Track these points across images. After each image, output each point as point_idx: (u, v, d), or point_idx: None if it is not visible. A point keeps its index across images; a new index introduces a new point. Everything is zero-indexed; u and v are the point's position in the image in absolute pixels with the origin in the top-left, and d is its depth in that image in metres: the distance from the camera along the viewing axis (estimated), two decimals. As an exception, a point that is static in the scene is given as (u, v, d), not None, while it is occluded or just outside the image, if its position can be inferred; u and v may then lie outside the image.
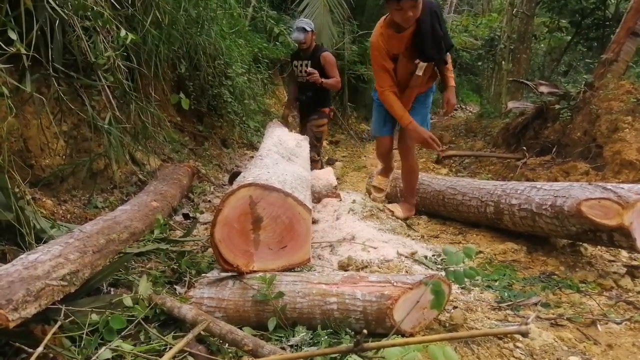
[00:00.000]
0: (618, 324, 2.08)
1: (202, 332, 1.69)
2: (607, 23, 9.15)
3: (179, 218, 3.49)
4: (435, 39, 3.18)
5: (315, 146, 5.27)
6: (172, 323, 1.87)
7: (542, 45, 13.18)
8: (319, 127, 5.21)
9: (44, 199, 2.81)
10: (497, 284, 2.57)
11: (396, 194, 4.16)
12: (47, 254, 1.74)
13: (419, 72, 3.32)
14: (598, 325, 2.08)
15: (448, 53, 3.41)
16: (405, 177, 3.82)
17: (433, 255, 2.90)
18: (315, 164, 5.27)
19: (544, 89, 6.63)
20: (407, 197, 3.82)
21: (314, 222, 3.42)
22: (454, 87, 3.57)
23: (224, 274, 2.07)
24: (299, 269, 2.22)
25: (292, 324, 1.89)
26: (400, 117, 3.45)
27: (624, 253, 3.01)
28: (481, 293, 2.42)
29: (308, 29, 5.01)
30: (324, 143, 5.51)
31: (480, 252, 3.00)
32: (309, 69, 4.93)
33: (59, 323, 1.59)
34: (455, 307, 2.19)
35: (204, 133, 5.92)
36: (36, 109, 2.74)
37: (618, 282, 2.55)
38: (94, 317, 1.71)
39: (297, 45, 5.27)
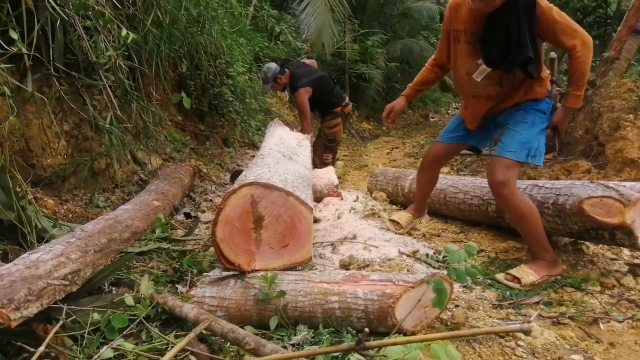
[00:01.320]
0: (620, 322, 2.08)
1: (204, 331, 1.69)
2: (609, 21, 9.13)
3: (180, 217, 3.50)
4: (510, 42, 2.41)
5: (329, 147, 5.34)
6: (174, 322, 1.88)
7: (544, 43, 13.17)
8: (331, 128, 5.23)
9: (45, 199, 2.82)
10: (498, 282, 2.56)
11: (398, 193, 4.15)
12: (49, 253, 1.74)
13: (477, 78, 2.59)
14: (600, 324, 2.07)
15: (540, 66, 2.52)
16: (516, 225, 2.73)
17: (434, 254, 2.90)
18: (325, 167, 5.34)
19: (545, 87, 6.60)
20: (535, 253, 2.64)
21: (316, 221, 3.42)
22: (567, 109, 2.60)
23: (225, 273, 2.07)
24: (300, 268, 2.22)
25: (293, 322, 1.90)
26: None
27: (626, 251, 3.00)
28: (483, 291, 2.42)
29: (267, 86, 5.12)
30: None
31: (482, 250, 3.00)
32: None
33: (60, 322, 1.59)
34: (457, 306, 2.19)
35: (205, 132, 5.92)
36: (37, 108, 2.74)
37: (620, 281, 2.55)
38: (96, 316, 1.71)
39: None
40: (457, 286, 2.41)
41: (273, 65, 5.11)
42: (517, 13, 2.36)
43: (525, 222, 2.60)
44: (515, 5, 2.35)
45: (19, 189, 2.22)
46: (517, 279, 2.50)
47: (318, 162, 5.17)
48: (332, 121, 5.21)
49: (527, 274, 2.52)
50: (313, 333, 1.84)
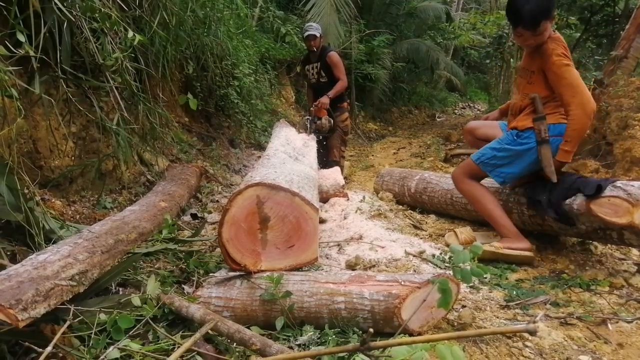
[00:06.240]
0: (629, 322, 2.06)
1: (210, 332, 1.70)
2: (617, 19, 9.06)
3: (187, 218, 3.51)
4: None
5: (344, 141, 5.73)
6: (180, 322, 1.88)
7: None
8: (343, 121, 5.54)
9: (53, 200, 2.83)
10: (506, 282, 2.55)
11: (404, 193, 4.15)
12: (56, 254, 1.75)
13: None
14: (608, 324, 2.06)
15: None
16: (476, 209, 3.22)
17: (441, 254, 2.89)
18: (343, 159, 5.73)
19: (553, 86, 6.55)
20: (498, 232, 3.03)
21: (322, 221, 3.42)
22: (560, 163, 2.78)
23: (231, 274, 2.07)
24: (306, 268, 2.22)
25: (299, 323, 1.90)
26: None
27: (635, 251, 2.98)
28: (490, 292, 2.40)
29: (317, 34, 5.28)
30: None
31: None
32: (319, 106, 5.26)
33: (67, 323, 1.60)
34: (463, 307, 2.18)
35: (211, 133, 5.94)
36: (45, 110, 2.76)
37: (628, 281, 2.53)
38: (103, 316, 1.72)
39: (306, 49, 5.58)
40: (464, 287, 2.39)
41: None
42: None
43: (478, 205, 3.07)
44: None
45: (26, 191, 2.24)
46: None
47: (338, 155, 5.50)
48: (342, 115, 5.51)
49: (490, 246, 2.85)
50: (319, 333, 1.83)
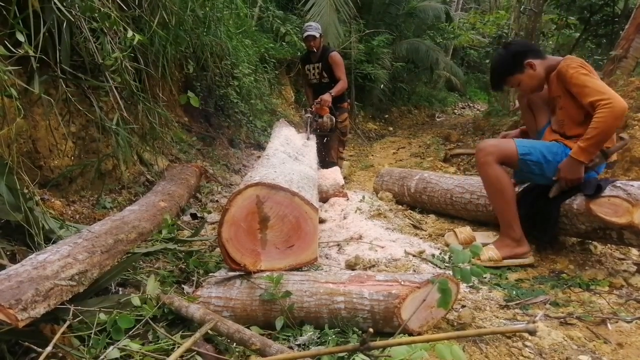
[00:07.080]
0: (628, 322, 2.06)
1: (210, 332, 1.70)
2: (616, 19, 9.06)
3: (186, 218, 3.51)
4: None
5: (342, 142, 5.73)
6: (180, 322, 1.88)
7: (551, 42, 13.08)
8: (342, 122, 5.54)
9: (52, 200, 2.83)
10: (505, 282, 2.55)
11: (404, 193, 4.15)
12: (56, 254, 1.75)
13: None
14: (608, 324, 2.06)
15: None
16: (489, 197, 3.01)
17: (440, 254, 2.89)
18: (342, 160, 5.60)
19: (552, 86, 6.55)
20: (502, 229, 2.91)
21: (321, 221, 3.42)
22: (571, 159, 2.63)
23: (231, 273, 2.07)
24: (306, 268, 2.22)
25: (299, 323, 1.90)
26: None
27: (634, 251, 2.98)
28: (490, 292, 2.41)
29: (317, 35, 5.26)
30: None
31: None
32: (321, 104, 5.20)
33: (67, 322, 1.60)
34: (463, 306, 2.18)
35: (211, 133, 5.93)
36: (44, 110, 2.76)
37: (628, 281, 2.53)
38: (102, 316, 1.72)
39: (306, 49, 5.55)
40: (463, 286, 2.40)
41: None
42: None
43: (496, 195, 2.86)
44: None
45: (26, 191, 2.24)
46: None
47: (335, 157, 5.50)
48: (341, 116, 5.50)
49: (488, 250, 2.78)
50: (319, 333, 1.83)
